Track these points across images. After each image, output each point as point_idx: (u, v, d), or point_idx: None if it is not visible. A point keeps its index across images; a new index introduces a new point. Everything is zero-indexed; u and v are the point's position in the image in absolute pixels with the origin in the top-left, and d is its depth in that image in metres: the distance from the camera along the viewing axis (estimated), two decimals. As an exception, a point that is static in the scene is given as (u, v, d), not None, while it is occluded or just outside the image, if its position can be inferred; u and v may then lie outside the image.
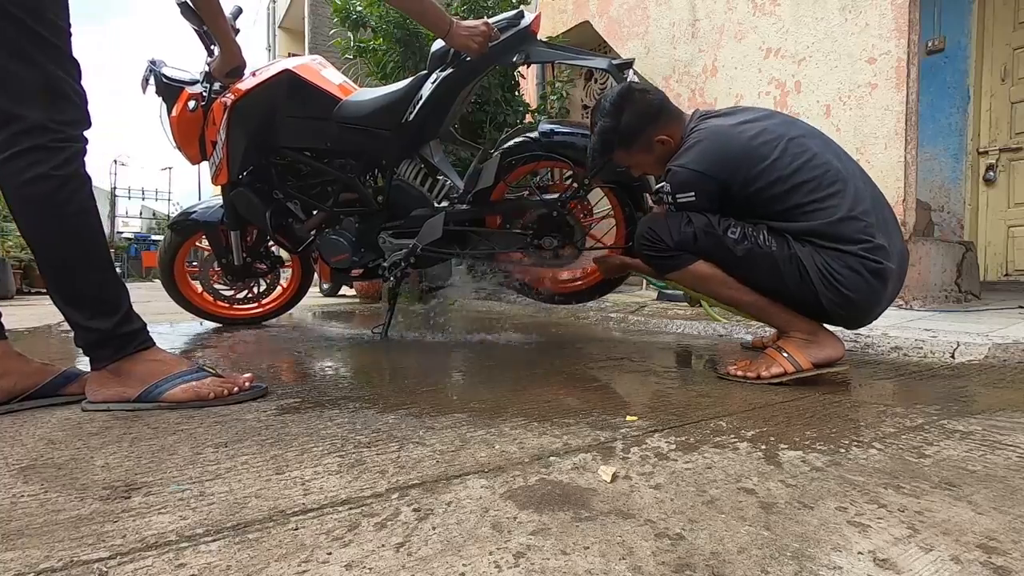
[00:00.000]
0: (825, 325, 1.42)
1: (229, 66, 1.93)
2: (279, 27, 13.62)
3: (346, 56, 4.33)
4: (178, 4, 1.88)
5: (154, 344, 1.23)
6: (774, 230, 1.34)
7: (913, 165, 2.82)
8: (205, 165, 2.31)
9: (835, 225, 1.29)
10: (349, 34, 4.27)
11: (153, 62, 2.27)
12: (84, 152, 1.13)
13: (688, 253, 1.41)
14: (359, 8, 4.14)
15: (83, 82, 1.14)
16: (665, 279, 1.54)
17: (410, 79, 2.00)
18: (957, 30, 4.03)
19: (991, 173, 3.98)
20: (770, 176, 1.31)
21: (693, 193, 1.36)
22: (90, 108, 1.15)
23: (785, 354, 1.37)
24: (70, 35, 1.11)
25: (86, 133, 1.14)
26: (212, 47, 2.12)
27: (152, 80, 2.24)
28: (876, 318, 1.41)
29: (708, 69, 3.69)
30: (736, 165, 1.33)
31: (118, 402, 1.14)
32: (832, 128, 2.99)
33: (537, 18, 1.84)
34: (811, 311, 1.37)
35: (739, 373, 1.39)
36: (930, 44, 4.07)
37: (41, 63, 1.05)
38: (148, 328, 1.24)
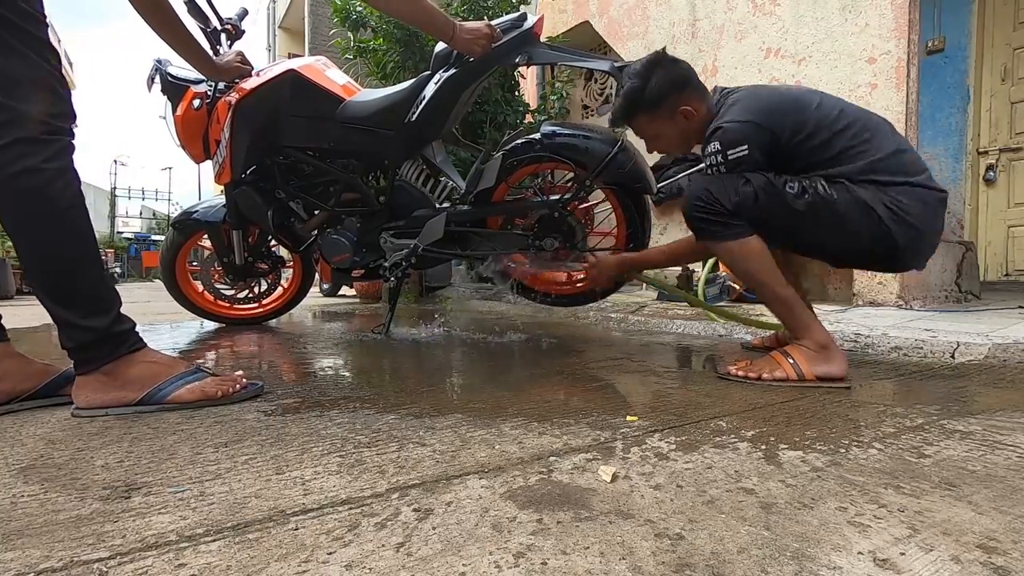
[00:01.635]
0: (836, 342, 1.40)
1: (213, 74, 1.91)
2: (279, 27, 13.63)
3: (346, 56, 4.33)
4: (185, 2, 1.89)
5: (146, 345, 1.20)
6: (831, 179, 1.32)
7: (913, 165, 2.82)
8: (206, 165, 2.32)
9: (891, 159, 1.30)
10: (349, 34, 4.27)
11: (159, 61, 2.28)
12: (72, 148, 1.10)
13: (744, 224, 1.36)
14: (359, 8, 4.14)
15: (63, 71, 1.10)
16: (710, 246, 1.45)
17: (413, 80, 2.01)
18: (957, 30, 4.03)
19: (991, 173, 3.98)
20: (816, 123, 1.33)
21: (745, 147, 1.32)
22: (75, 103, 1.12)
23: (791, 360, 1.35)
24: (46, 25, 1.08)
25: (73, 128, 1.12)
26: (218, 47, 2.13)
27: (158, 78, 2.25)
28: (928, 258, 1.40)
29: (708, 69, 3.68)
30: (783, 114, 1.34)
31: (117, 407, 1.11)
32: (832, 128, 2.99)
33: (540, 20, 1.84)
34: (879, 257, 1.36)
35: (740, 373, 1.37)
36: (930, 44, 4.07)
37: (24, 54, 1.02)
38: (145, 329, 1.23)
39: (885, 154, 1.30)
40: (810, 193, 1.31)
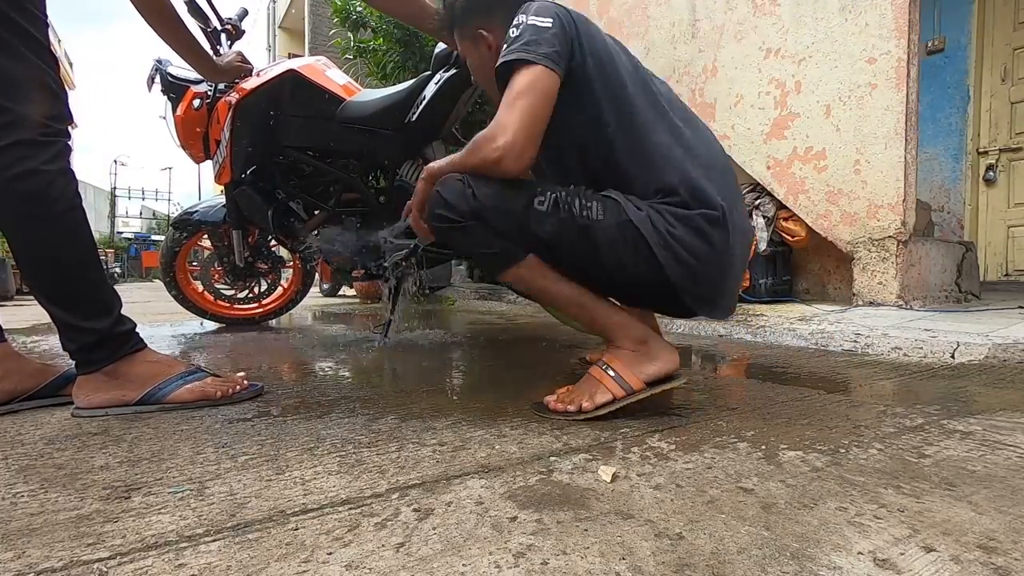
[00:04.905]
0: (657, 332, 1.19)
1: (213, 76, 1.90)
2: (279, 27, 13.64)
3: (346, 56, 4.33)
4: (185, 2, 1.89)
5: (147, 346, 1.21)
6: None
7: (913, 165, 2.82)
8: (206, 165, 2.32)
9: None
10: (349, 34, 4.27)
11: (159, 61, 2.28)
12: (70, 150, 1.11)
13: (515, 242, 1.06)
14: (359, 8, 4.14)
15: (63, 72, 1.13)
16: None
17: (413, 80, 2.01)
18: (957, 30, 4.03)
19: (991, 173, 3.98)
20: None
21: (550, 21, 1.04)
22: (72, 105, 1.13)
23: (612, 373, 1.07)
24: (47, 26, 1.09)
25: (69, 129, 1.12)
26: (218, 47, 2.13)
27: (158, 78, 2.26)
28: (731, 302, 1.17)
29: (708, 69, 3.68)
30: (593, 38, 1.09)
31: (116, 407, 1.11)
32: (832, 128, 2.99)
33: None
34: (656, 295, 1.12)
35: (559, 407, 1.08)
36: (930, 44, 4.07)
37: (25, 56, 1.03)
38: (146, 329, 1.23)
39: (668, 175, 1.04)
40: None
